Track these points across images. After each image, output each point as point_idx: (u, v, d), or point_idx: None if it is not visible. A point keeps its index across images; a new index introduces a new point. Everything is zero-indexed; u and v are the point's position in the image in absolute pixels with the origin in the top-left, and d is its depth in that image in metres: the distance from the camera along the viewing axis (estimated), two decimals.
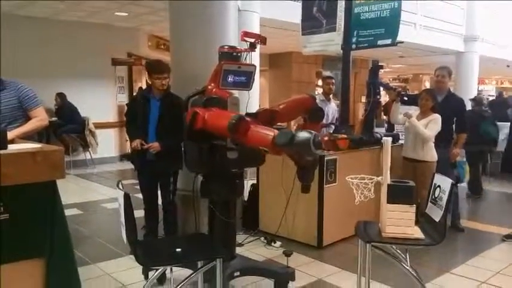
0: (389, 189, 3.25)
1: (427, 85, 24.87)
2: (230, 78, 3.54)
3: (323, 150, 2.71)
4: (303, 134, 2.71)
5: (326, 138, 2.66)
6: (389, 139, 3.52)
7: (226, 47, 3.74)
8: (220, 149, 3.48)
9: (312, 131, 2.76)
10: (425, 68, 21.91)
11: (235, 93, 3.84)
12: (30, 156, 2.47)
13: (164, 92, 4.78)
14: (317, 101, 4.77)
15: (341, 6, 7.21)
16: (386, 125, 10.63)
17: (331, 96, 8.01)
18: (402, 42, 6.94)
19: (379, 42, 6.83)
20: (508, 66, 19.12)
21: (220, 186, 3.70)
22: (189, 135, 3.47)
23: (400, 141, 6.14)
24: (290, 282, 4.01)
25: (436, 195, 3.25)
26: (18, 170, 2.39)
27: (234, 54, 3.64)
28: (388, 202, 3.24)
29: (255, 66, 3.68)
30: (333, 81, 7.99)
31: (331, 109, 7.80)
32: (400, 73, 27.32)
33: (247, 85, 3.66)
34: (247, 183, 5.62)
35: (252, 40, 3.60)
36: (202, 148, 3.52)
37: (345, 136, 2.75)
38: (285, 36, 12.09)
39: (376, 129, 6.51)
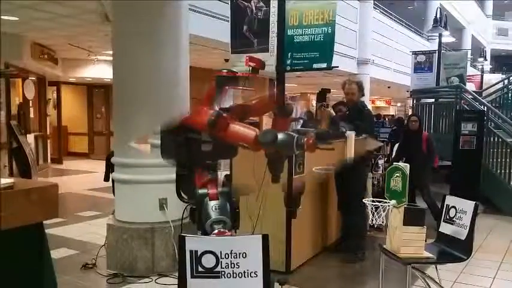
0: (406, 212, 3.23)
1: (313, 103, 25.79)
2: None
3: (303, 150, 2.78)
4: (287, 135, 2.76)
5: (311, 141, 2.70)
6: (353, 133, 3.52)
7: (224, 71, 3.52)
8: (195, 141, 3.31)
9: (294, 134, 2.80)
10: (313, 87, 22.70)
11: None
12: (24, 194, 2.04)
13: None
14: None
15: (273, 27, 7.08)
16: None
17: None
18: (337, 67, 7.01)
19: (315, 65, 6.79)
20: (388, 87, 20.34)
21: None
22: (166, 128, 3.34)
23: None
24: None
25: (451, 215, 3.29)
26: (11, 212, 1.93)
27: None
28: (404, 224, 3.22)
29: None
30: None
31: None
32: (289, 91, 28.11)
33: None
34: (221, 174, 5.44)
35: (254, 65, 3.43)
36: (178, 140, 3.34)
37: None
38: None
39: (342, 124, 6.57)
